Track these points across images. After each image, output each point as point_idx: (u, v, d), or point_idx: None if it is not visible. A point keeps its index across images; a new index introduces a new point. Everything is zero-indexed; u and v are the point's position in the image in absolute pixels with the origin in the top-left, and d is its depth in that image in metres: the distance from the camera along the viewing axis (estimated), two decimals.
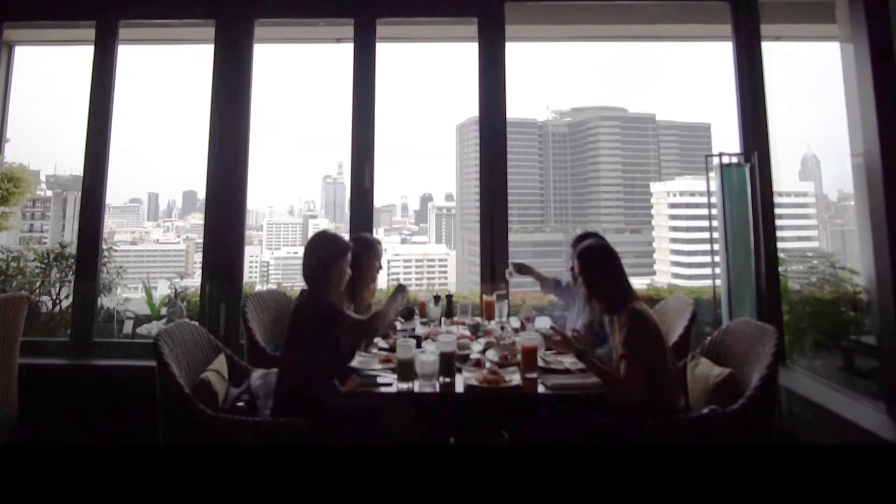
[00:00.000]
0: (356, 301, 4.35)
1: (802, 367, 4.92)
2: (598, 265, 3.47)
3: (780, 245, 5.17)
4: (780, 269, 5.16)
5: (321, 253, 3.55)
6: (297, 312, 3.47)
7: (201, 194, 5.70)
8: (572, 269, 4.44)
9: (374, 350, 3.89)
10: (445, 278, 12.93)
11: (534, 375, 3.34)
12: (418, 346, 3.66)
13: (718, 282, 5.19)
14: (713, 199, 5.31)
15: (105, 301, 5.69)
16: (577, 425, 3.04)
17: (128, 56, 5.76)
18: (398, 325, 4.55)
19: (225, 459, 1.58)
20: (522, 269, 4.89)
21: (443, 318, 4.79)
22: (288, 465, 1.55)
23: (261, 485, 1.48)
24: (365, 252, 4.38)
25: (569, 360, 3.53)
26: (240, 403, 3.51)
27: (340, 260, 3.58)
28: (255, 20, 5.69)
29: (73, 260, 5.64)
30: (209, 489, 1.48)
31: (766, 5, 5.45)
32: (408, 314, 4.75)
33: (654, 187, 12.87)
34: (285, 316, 3.91)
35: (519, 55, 5.82)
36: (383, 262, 4.63)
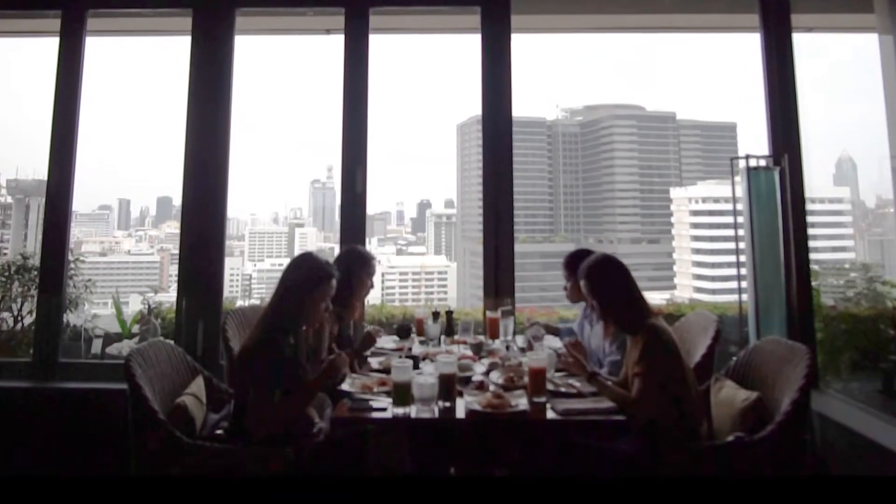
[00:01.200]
0: (342, 322, 4.34)
1: (837, 390, 4.92)
2: (608, 282, 3.47)
3: (812, 256, 5.17)
4: (813, 282, 5.16)
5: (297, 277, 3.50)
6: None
7: (177, 201, 5.70)
8: (566, 287, 4.49)
9: (368, 372, 3.89)
10: (445, 293, 12.95)
11: (542, 400, 3.33)
12: (415, 367, 3.63)
13: (745, 297, 5.20)
14: (739, 206, 5.32)
15: (71, 318, 5.69)
16: (590, 454, 3.04)
17: (97, 49, 5.75)
18: (393, 344, 4.55)
19: (203, 491, 1.58)
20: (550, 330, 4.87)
21: (442, 337, 4.78)
22: (272, 497, 1.55)
23: None
24: (357, 267, 4.37)
25: (581, 383, 3.53)
26: (219, 431, 3.49)
27: (315, 289, 3.50)
28: (236, 9, 5.67)
29: (36, 273, 5.65)
30: None
31: None
32: (404, 332, 4.75)
33: (675, 193, 12.90)
34: None
35: (526, 48, 5.83)
36: (377, 275, 4.61)
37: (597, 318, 3.67)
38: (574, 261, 4.36)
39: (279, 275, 3.49)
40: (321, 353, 3.90)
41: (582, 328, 4.62)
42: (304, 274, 3.44)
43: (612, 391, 3.23)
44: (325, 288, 3.46)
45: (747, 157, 5.25)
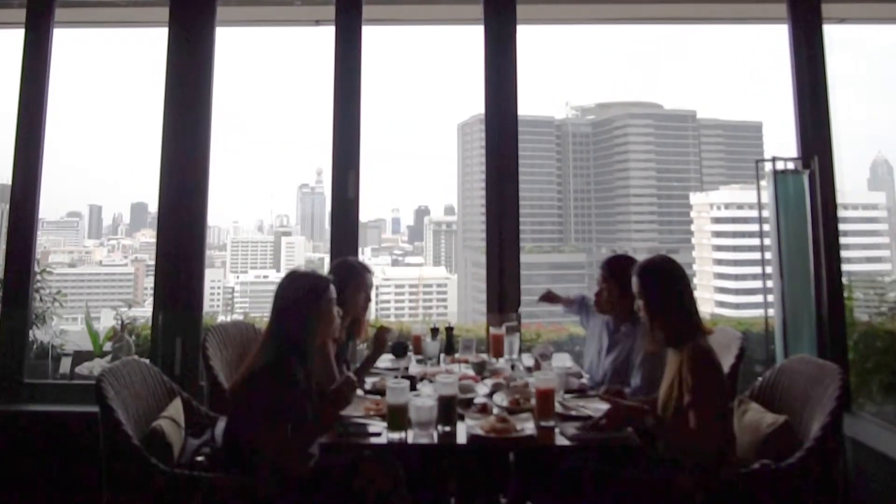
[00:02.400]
0: (337, 341, 4.32)
1: (871, 413, 4.92)
2: (667, 285, 3.39)
3: (845, 267, 5.17)
4: (846, 296, 5.16)
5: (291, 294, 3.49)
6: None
7: (153, 207, 5.73)
8: (599, 293, 4.43)
9: (360, 393, 3.89)
10: (445, 307, 12.97)
11: (551, 423, 3.32)
12: (412, 388, 3.65)
13: (771, 312, 5.21)
14: (765, 213, 5.32)
15: (38, 334, 5.69)
16: (603, 482, 3.05)
17: (66, 41, 5.76)
18: (389, 364, 4.55)
19: None
20: (550, 298, 4.89)
21: (442, 355, 4.79)
22: None
23: None
24: (348, 281, 4.36)
25: (593, 406, 3.53)
26: (200, 457, 3.49)
27: (318, 302, 3.49)
28: None
29: None
30: None
31: None
32: (401, 350, 4.75)
33: (695, 199, 12.94)
34: None
35: (533, 40, 5.85)
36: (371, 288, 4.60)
37: (646, 325, 3.48)
38: (616, 263, 4.32)
39: (264, 288, 3.50)
40: (332, 375, 3.87)
41: (601, 337, 4.56)
42: (301, 290, 3.39)
43: (673, 429, 3.19)
44: (328, 298, 3.42)
45: (774, 160, 5.26)
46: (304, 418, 3.17)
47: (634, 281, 3.47)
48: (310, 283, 3.42)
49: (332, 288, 3.46)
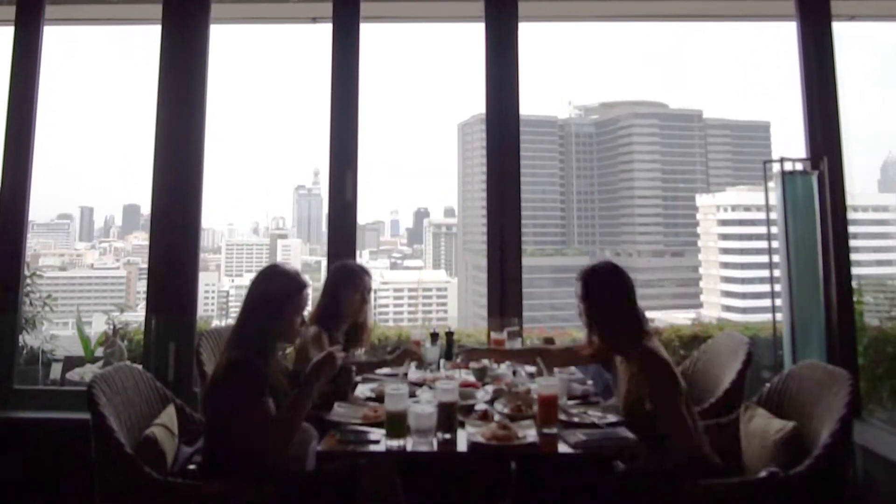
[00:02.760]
0: (332, 344, 4.31)
1: (882, 420, 4.92)
2: (605, 289, 3.54)
3: (855, 271, 5.17)
4: (856, 300, 5.16)
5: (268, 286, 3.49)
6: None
7: (146, 209, 5.74)
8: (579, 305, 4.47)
9: (360, 397, 3.89)
10: (445, 311, 12.97)
11: (553, 431, 3.30)
12: (411, 394, 3.64)
13: (779, 316, 5.21)
14: (773, 215, 5.33)
15: (28, 339, 5.69)
16: (607, 491, 3.05)
17: (56, 39, 5.77)
18: (388, 369, 4.54)
19: None
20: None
21: (442, 361, 4.78)
22: None
23: None
24: (346, 285, 4.37)
25: (596, 413, 3.53)
26: (192, 466, 3.50)
27: (289, 302, 3.49)
28: None
29: None
30: None
31: None
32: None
33: (701, 200, 12.95)
34: None
35: (535, 38, 5.86)
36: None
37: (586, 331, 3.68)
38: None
39: (247, 290, 3.47)
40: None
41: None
42: (275, 286, 3.41)
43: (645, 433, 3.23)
44: (299, 300, 3.43)
45: (782, 160, 5.26)
46: (269, 414, 3.16)
47: (577, 285, 3.63)
48: (285, 281, 3.43)
49: (308, 292, 3.49)
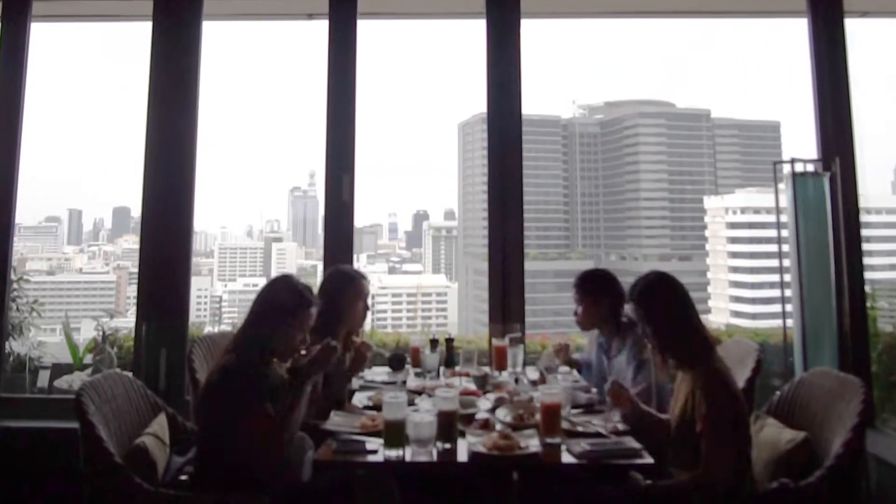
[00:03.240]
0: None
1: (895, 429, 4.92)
2: (669, 308, 3.36)
3: (868, 275, 5.17)
4: (869, 305, 5.16)
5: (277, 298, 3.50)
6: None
7: (136, 211, 5.74)
8: (576, 311, 4.48)
9: (358, 405, 3.88)
10: (445, 317, 12.97)
11: (557, 440, 3.30)
12: (410, 403, 3.64)
13: (790, 322, 5.20)
14: (784, 218, 5.32)
15: (14, 346, 5.69)
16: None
17: (44, 36, 5.76)
18: (386, 377, 4.54)
19: None
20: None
21: (441, 368, 4.77)
22: None
23: None
24: (344, 290, 4.36)
25: (601, 422, 3.53)
26: (184, 476, 3.49)
27: (294, 315, 3.50)
28: None
29: None
30: None
31: None
32: (398, 363, 4.74)
33: (709, 202, 12.96)
34: None
35: (538, 34, 5.86)
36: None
37: (653, 352, 3.43)
38: (587, 282, 4.39)
39: (254, 297, 3.47)
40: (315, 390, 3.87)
41: (599, 360, 4.58)
42: (284, 296, 3.43)
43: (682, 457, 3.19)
44: (303, 317, 3.44)
45: (793, 161, 5.25)
46: (268, 416, 3.16)
47: (633, 308, 3.45)
48: (295, 294, 3.45)
49: (314, 311, 3.50)
